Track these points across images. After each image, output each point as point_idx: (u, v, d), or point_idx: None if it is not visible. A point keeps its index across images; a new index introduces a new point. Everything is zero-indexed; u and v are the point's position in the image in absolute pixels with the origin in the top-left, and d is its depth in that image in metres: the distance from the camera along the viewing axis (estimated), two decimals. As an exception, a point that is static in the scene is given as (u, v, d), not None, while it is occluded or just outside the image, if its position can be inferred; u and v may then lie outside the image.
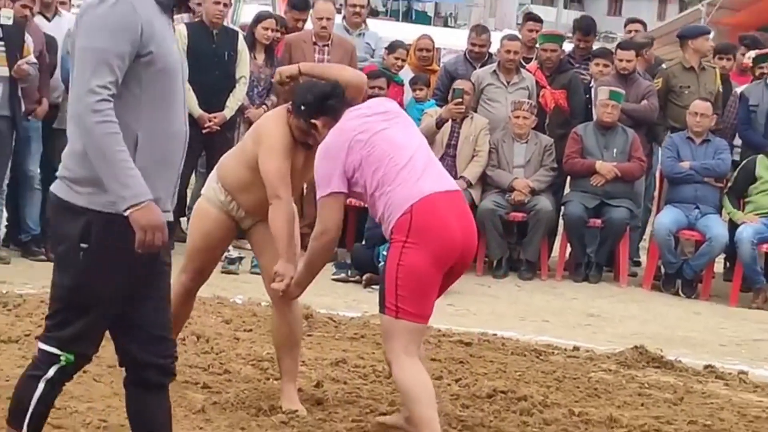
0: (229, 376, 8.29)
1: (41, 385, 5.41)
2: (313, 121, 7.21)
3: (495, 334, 10.63)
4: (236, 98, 13.29)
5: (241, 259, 12.66)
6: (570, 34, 17.59)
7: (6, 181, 12.19)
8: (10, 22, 11.29)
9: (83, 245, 5.27)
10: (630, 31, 15.61)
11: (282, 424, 7.36)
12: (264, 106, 13.64)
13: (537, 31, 15.25)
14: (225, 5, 13.68)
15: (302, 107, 7.21)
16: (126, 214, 5.14)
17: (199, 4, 14.06)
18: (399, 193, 6.75)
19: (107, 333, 5.53)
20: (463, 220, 6.96)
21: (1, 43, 11.23)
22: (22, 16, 11.87)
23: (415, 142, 7.11)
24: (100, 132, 5.11)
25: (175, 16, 14.17)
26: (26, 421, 5.41)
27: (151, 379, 5.50)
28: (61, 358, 5.39)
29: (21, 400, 5.47)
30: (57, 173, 5.39)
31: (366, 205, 10.40)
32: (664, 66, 15.30)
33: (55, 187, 5.38)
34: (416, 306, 6.76)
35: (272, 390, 7.98)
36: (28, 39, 11.62)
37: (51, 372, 5.42)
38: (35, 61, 11.63)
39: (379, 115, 7.11)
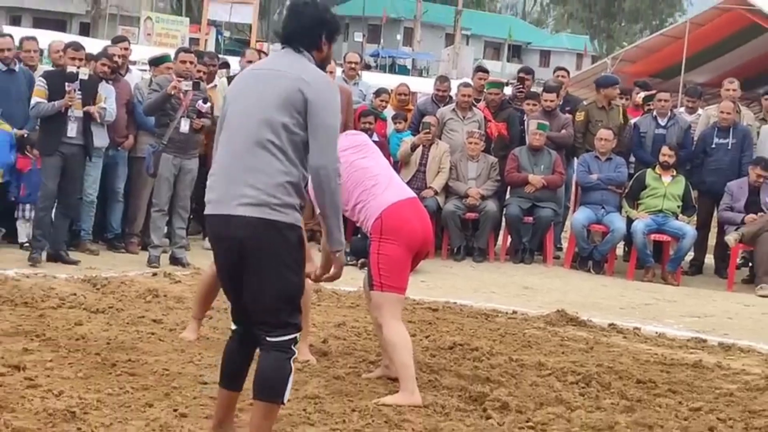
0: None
1: (292, 365, 5.27)
2: None
3: (455, 303, 10.67)
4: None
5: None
6: (512, 81, 17.61)
7: (96, 194, 12.21)
8: (86, 77, 11.23)
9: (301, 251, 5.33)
10: (558, 76, 15.59)
11: (297, 371, 7.37)
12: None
13: (485, 80, 15.24)
14: (254, 63, 13.65)
15: None
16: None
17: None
18: (372, 204, 7.02)
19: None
20: (422, 217, 7.23)
21: (80, 92, 11.13)
22: (102, 72, 11.90)
23: (381, 165, 7.35)
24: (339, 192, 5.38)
25: (221, 71, 14.25)
26: (285, 394, 5.27)
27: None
28: (298, 336, 5.31)
29: (278, 379, 5.23)
30: (257, 200, 5.14)
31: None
32: (584, 103, 15.32)
33: (269, 213, 5.17)
34: (395, 281, 6.98)
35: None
36: (102, 89, 11.54)
37: (294, 351, 5.29)
38: (105, 106, 11.53)
39: (352, 149, 7.23)
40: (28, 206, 11.74)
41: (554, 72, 16.06)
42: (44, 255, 11.15)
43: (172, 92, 11.41)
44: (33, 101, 11.27)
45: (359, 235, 12.95)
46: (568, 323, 9.96)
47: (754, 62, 28.88)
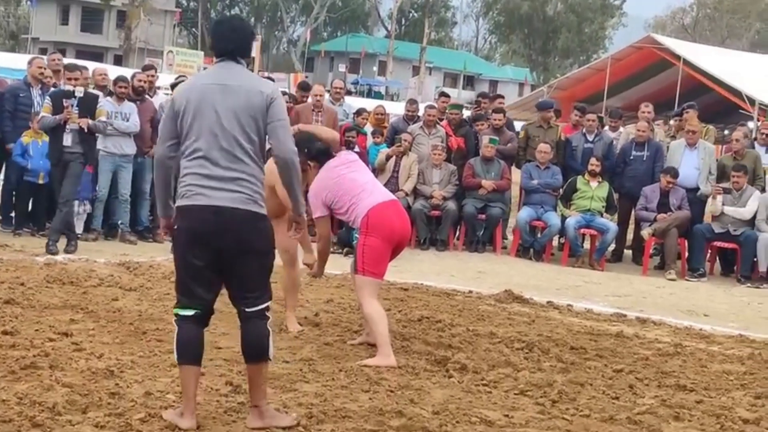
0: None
1: (270, 327, 5.21)
2: (309, 162, 7.24)
3: (422, 283, 10.64)
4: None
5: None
6: (468, 104, 17.66)
7: (128, 193, 12.19)
8: (82, 94, 11.01)
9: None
10: (500, 103, 15.61)
11: (294, 338, 7.38)
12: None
13: (447, 103, 15.25)
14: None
15: (306, 150, 7.14)
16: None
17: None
18: (360, 206, 7.09)
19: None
20: (401, 217, 7.31)
21: (77, 107, 10.90)
22: (120, 93, 12.08)
23: (367, 176, 7.45)
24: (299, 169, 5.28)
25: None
26: (270, 351, 5.20)
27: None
28: (270, 304, 5.23)
29: (266, 341, 5.15)
30: (245, 196, 5.05)
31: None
32: (524, 123, 15.33)
33: (254, 206, 5.09)
34: (375, 268, 7.05)
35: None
36: (102, 105, 11.33)
37: (270, 316, 5.22)
38: (105, 120, 11.31)
39: (343, 165, 7.30)
40: (76, 202, 11.65)
41: (489, 100, 16.06)
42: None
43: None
44: (39, 116, 11.15)
45: (344, 228, 12.94)
46: (514, 301, 9.95)
47: (663, 90, 29.12)
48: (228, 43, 5.23)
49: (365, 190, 7.19)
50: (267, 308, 5.20)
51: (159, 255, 10.89)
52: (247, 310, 5.17)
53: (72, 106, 10.93)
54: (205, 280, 5.12)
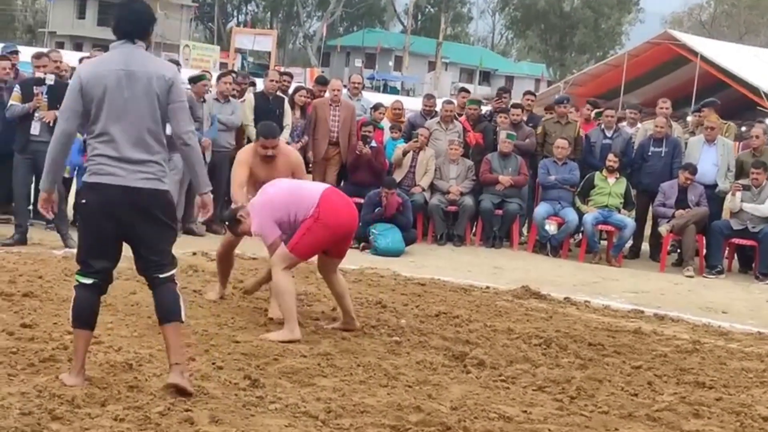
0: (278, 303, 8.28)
1: (178, 291, 5.56)
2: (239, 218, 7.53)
3: (439, 279, 10.62)
4: (283, 137, 13.16)
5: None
6: (485, 100, 17.65)
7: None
8: (53, 82, 10.80)
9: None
10: (527, 100, 15.54)
11: (312, 333, 7.37)
12: (300, 142, 13.60)
13: (466, 98, 15.26)
14: (276, 82, 13.62)
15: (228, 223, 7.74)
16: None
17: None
18: (306, 200, 7.23)
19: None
20: (349, 207, 7.46)
21: (46, 96, 10.69)
22: None
23: (294, 182, 7.68)
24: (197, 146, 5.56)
25: (250, 88, 14.19)
26: (182, 312, 5.52)
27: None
28: (175, 269, 5.58)
29: (177, 303, 5.50)
30: (150, 176, 5.36)
31: (361, 202, 10.73)
32: (543, 119, 15.28)
33: (159, 184, 5.40)
34: (304, 250, 7.23)
35: (309, 311, 8.02)
36: None
37: (176, 281, 5.58)
38: None
39: (263, 192, 7.47)
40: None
41: (523, 95, 16.01)
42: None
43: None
44: (8, 104, 10.92)
45: (360, 224, 12.93)
46: (531, 297, 9.93)
47: (680, 87, 28.92)
48: (127, 25, 5.50)
49: (301, 188, 7.41)
50: (173, 275, 5.56)
51: (175, 248, 10.87)
52: (160, 276, 5.50)
53: (42, 93, 10.73)
54: (109, 251, 5.48)
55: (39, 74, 10.98)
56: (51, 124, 10.51)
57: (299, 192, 7.33)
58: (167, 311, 5.49)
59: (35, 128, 10.68)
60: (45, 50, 12.71)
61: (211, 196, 5.72)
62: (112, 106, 5.33)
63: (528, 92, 16.52)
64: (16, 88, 10.95)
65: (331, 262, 7.59)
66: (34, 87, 10.77)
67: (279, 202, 7.26)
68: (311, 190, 7.35)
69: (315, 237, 7.16)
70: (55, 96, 10.67)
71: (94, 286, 5.50)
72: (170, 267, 5.53)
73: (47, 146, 10.45)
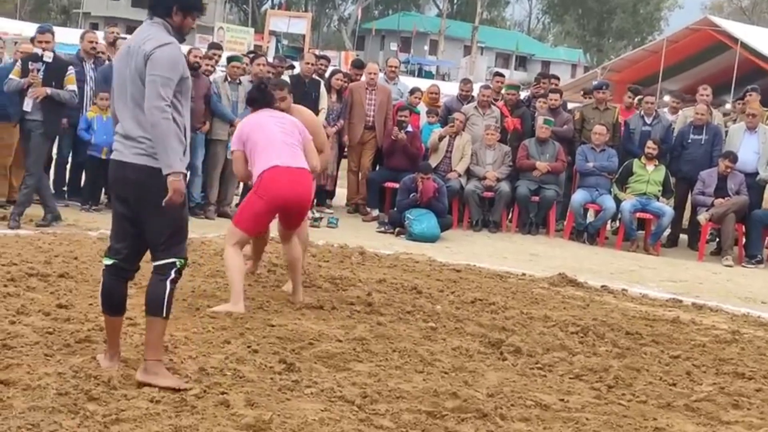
0: (314, 287, 8.33)
1: (168, 285, 5.28)
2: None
3: (475, 265, 10.61)
4: (319, 121, 13.18)
5: (321, 218, 12.62)
6: (523, 85, 17.59)
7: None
8: (50, 60, 10.73)
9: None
10: (555, 83, 15.46)
11: (347, 317, 7.37)
12: (336, 126, 13.61)
13: (502, 83, 15.25)
14: (312, 65, 13.59)
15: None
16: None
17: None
18: (259, 164, 7.48)
19: None
20: (294, 185, 7.48)
21: (42, 72, 10.62)
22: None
23: (287, 139, 7.60)
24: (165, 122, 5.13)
25: (287, 71, 14.21)
26: (165, 309, 5.28)
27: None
28: (177, 263, 5.31)
29: (156, 297, 5.28)
30: (142, 151, 5.19)
31: (396, 187, 10.84)
32: (580, 105, 15.21)
33: (150, 161, 5.18)
34: (247, 224, 7.52)
35: (344, 296, 8.04)
36: (72, 73, 10.91)
37: (172, 274, 5.30)
38: (72, 88, 10.86)
39: (275, 118, 7.70)
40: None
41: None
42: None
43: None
44: (8, 78, 10.81)
45: (395, 209, 12.95)
46: (567, 284, 9.92)
47: (720, 73, 28.72)
48: (150, 1, 5.48)
49: (272, 150, 7.45)
50: (169, 265, 5.30)
51: (211, 231, 10.94)
52: (154, 263, 5.35)
53: (38, 70, 10.66)
54: (122, 231, 5.43)
55: (37, 50, 10.89)
56: (38, 100, 10.55)
57: (264, 151, 7.47)
58: (148, 303, 5.34)
59: (28, 105, 10.61)
60: (80, 31, 12.71)
61: (176, 178, 5.15)
62: (116, 83, 5.38)
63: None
64: (18, 64, 10.93)
65: (284, 231, 7.81)
66: (30, 63, 10.70)
67: (256, 136, 7.52)
68: (266, 160, 7.45)
69: (253, 209, 7.46)
70: (53, 74, 10.73)
71: (115, 267, 5.41)
72: (164, 255, 5.30)
73: (37, 125, 10.26)
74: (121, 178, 5.30)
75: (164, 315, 5.31)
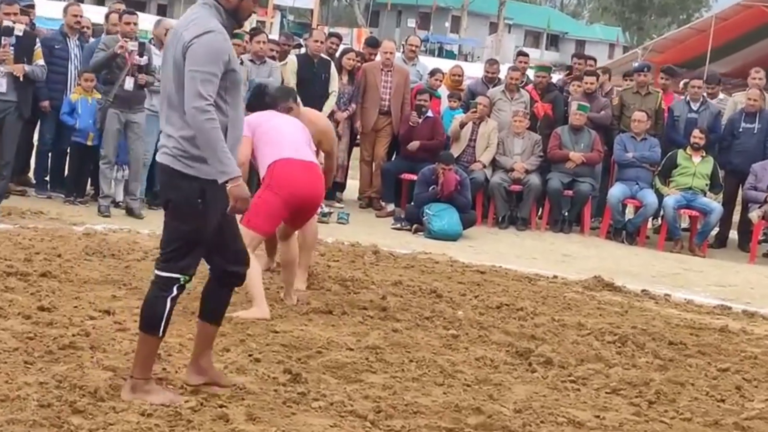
0: (323, 290, 8.34)
1: (168, 302, 5.16)
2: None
3: (500, 266, 10.61)
4: (329, 105, 13.18)
5: (330, 213, 12.63)
6: (555, 66, 17.59)
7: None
8: (21, 33, 10.75)
9: (200, 201, 5.08)
10: (590, 65, 15.42)
11: (359, 323, 7.37)
12: (347, 111, 13.63)
13: (525, 63, 15.26)
14: (321, 42, 13.60)
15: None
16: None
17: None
18: (269, 155, 7.57)
19: None
20: (310, 180, 7.58)
21: (13, 48, 10.65)
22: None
23: (297, 136, 7.73)
24: (209, 126, 4.94)
25: (294, 50, 14.23)
26: (161, 328, 5.17)
27: (228, 280, 5.46)
28: (181, 279, 5.16)
29: (154, 314, 5.16)
30: (167, 150, 5.10)
31: (414, 179, 10.91)
32: (620, 89, 15.20)
33: (173, 162, 5.08)
34: (260, 223, 7.41)
35: (356, 300, 8.05)
36: (39, 47, 11.01)
37: (174, 291, 5.17)
38: (42, 63, 11.00)
39: (282, 117, 7.86)
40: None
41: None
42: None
43: (119, 52, 11.13)
44: None
45: (412, 203, 12.95)
46: (604, 288, 9.92)
47: (775, 55, 28.58)
48: None
49: (284, 142, 7.55)
50: (172, 280, 5.19)
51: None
52: (156, 271, 5.28)
53: (9, 45, 10.65)
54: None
55: (7, 23, 10.84)
56: (21, 78, 10.60)
57: (275, 143, 7.56)
58: (144, 318, 5.26)
59: (1, 84, 10.63)
60: (63, 3, 12.70)
61: (235, 184, 5.02)
62: (162, 75, 5.37)
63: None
64: None
65: (286, 229, 7.87)
66: (2, 37, 10.70)
67: (265, 128, 7.61)
68: (277, 151, 7.53)
69: (267, 205, 7.41)
70: (23, 48, 10.69)
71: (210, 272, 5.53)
72: (170, 267, 5.19)
73: (12, 106, 10.30)
74: (160, 178, 5.37)
75: (160, 334, 5.25)
